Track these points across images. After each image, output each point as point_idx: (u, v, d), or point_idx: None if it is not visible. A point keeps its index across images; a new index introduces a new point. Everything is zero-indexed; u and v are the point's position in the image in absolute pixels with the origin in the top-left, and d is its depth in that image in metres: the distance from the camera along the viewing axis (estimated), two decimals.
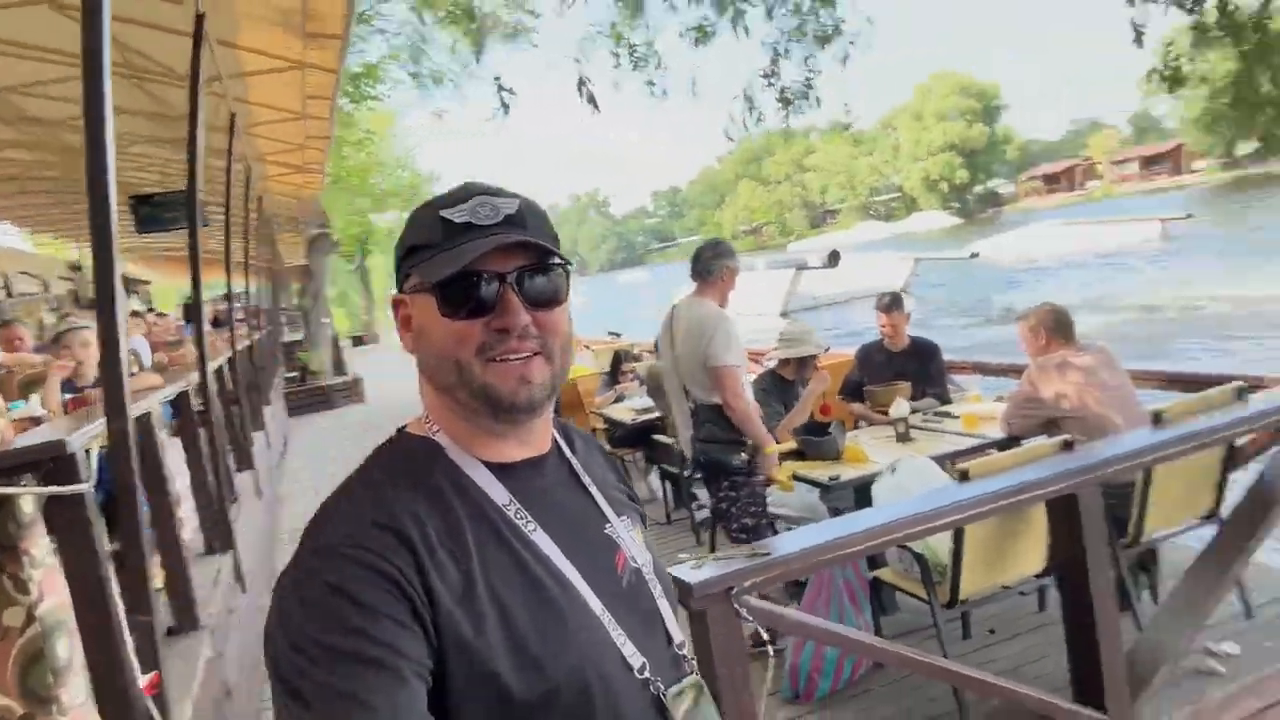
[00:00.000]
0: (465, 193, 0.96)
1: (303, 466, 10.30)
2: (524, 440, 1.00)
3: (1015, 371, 5.05)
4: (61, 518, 2.03)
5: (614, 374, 7.36)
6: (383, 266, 38.61)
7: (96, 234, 2.16)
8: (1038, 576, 3.36)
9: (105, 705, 2.06)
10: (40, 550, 2.20)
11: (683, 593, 2.21)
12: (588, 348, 10.93)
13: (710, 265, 3.81)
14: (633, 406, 6.40)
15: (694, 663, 1.04)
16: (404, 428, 1.04)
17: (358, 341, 34.65)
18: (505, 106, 5.75)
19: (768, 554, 2.39)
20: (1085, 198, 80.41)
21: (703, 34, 5.92)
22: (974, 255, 31.19)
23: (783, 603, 4.13)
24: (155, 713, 2.07)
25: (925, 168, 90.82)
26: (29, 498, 2.18)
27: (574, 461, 1.08)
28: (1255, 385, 3.23)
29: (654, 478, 6.44)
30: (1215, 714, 3.00)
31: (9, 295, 14.18)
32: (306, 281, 17.08)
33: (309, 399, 15.09)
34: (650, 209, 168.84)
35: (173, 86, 6.39)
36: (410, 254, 0.97)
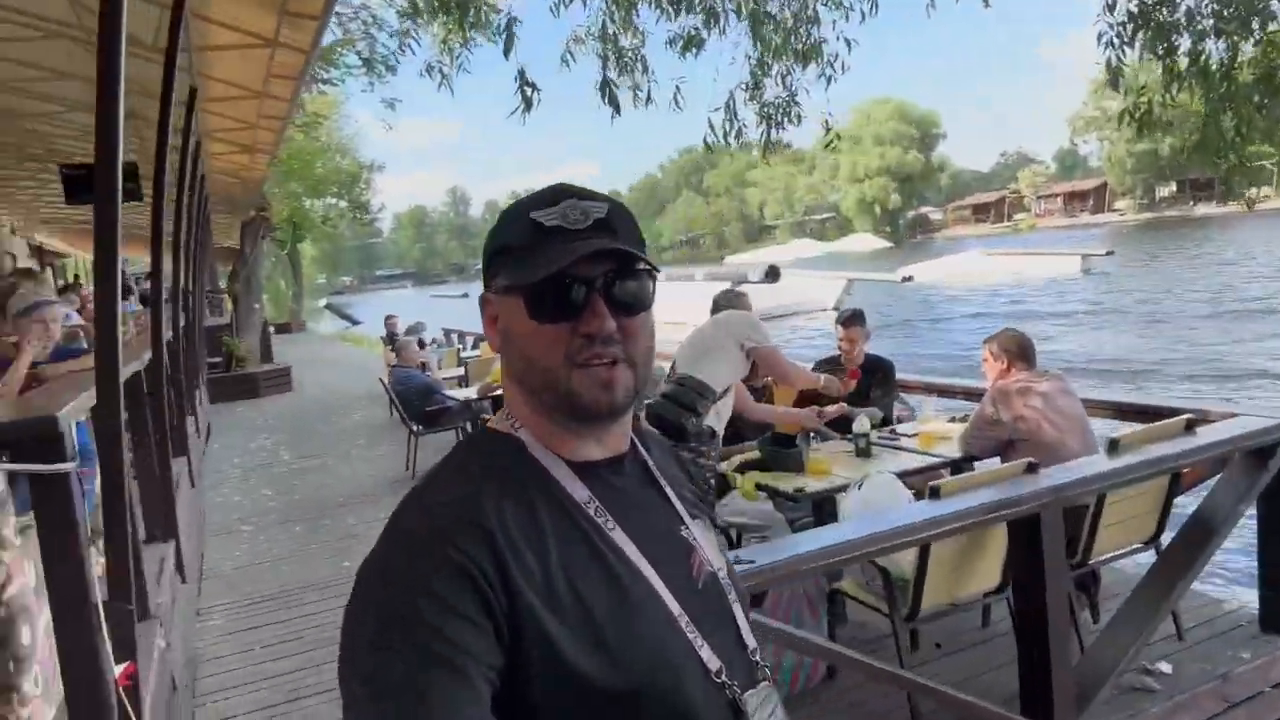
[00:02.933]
0: (556, 195, 0.97)
1: (226, 456, 9.98)
2: (603, 442, 1.01)
3: (966, 392, 5.23)
4: (43, 496, 1.94)
5: None
6: (309, 253, 37.70)
7: (99, 212, 2.08)
8: (989, 594, 3.48)
9: (74, 696, 1.97)
10: (9, 531, 2.11)
11: None
12: None
13: (734, 302, 4.64)
14: None
15: (768, 669, 1.05)
16: (486, 422, 1.05)
17: (283, 329, 33.75)
18: (528, 102, 5.64)
19: (753, 562, 2.44)
20: (1012, 229, 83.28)
21: (690, 43, 5.96)
22: (907, 279, 32.01)
23: None
24: (129, 707, 2.00)
25: (861, 190, 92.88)
26: (3, 474, 2.09)
27: (650, 463, 1.09)
28: (1202, 419, 3.42)
29: None
30: None
31: None
32: (238, 265, 16.54)
33: (234, 386, 14.57)
34: None
35: (129, 55, 6.16)
36: (500, 254, 0.98)
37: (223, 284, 20.38)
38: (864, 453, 4.25)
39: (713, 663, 0.96)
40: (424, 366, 9.30)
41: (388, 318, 13.87)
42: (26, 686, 2.11)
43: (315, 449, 9.92)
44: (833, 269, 35.63)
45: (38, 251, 22.74)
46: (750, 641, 1.05)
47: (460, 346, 13.97)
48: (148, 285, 12.00)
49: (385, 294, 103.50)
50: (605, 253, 0.94)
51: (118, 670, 2.03)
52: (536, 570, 0.88)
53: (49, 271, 23.83)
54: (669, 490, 1.08)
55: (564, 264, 0.91)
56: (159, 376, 4.23)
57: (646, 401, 4.25)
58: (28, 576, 2.13)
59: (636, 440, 1.09)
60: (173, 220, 6.34)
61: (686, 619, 0.96)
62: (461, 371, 9.45)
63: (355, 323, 42.54)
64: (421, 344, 11.79)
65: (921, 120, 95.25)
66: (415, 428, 8.09)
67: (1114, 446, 3.08)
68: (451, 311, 29.92)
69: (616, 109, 5.74)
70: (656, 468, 1.09)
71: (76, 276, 23.99)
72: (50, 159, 10.89)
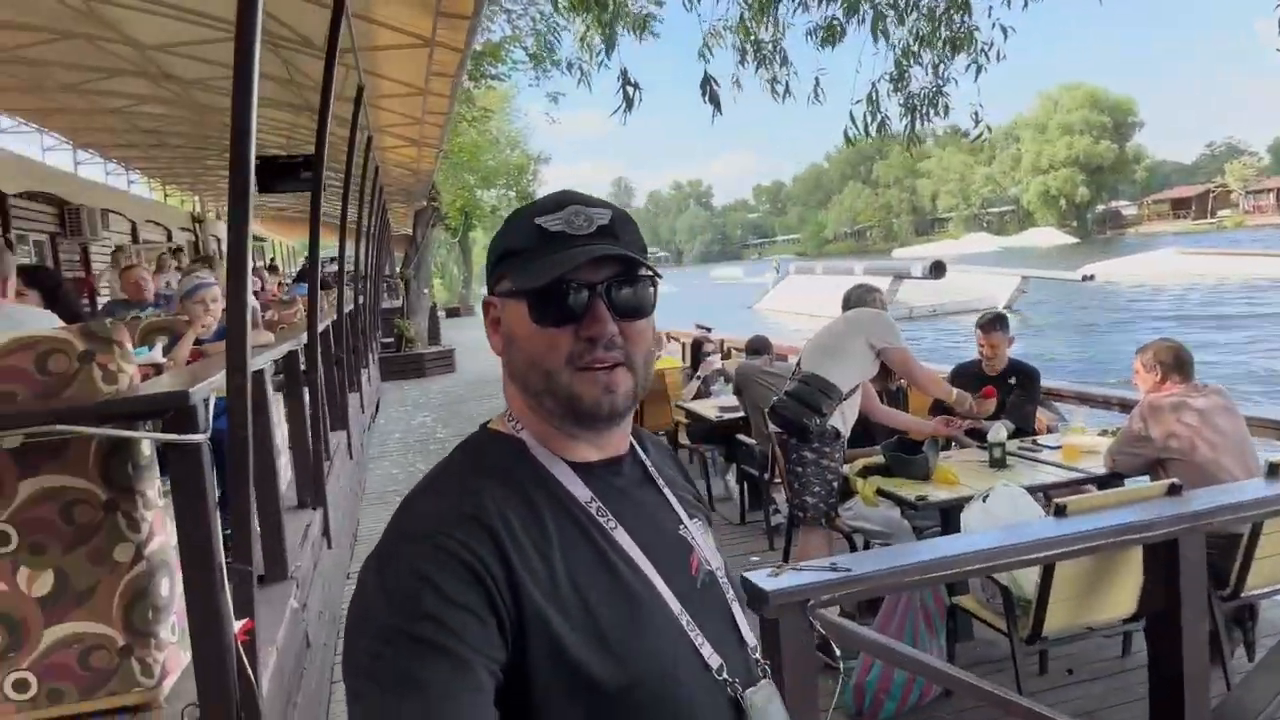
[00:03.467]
0: (561, 201, 0.98)
1: (391, 431, 10.63)
2: (604, 444, 1.02)
3: (1122, 404, 4.84)
4: (177, 464, 2.15)
5: (695, 364, 7.31)
6: (483, 242, 39.39)
7: (234, 197, 2.26)
8: (1126, 621, 3.22)
9: (199, 646, 2.17)
10: (153, 492, 2.34)
11: (757, 599, 2.21)
12: (674, 340, 10.95)
13: (865, 298, 4.42)
14: (717, 404, 6.38)
15: (766, 666, 1.05)
16: (487, 424, 1.06)
17: (452, 313, 35.47)
18: (629, 102, 5.72)
19: (849, 570, 2.37)
20: (1215, 226, 75.90)
21: (830, 34, 5.78)
22: (1088, 278, 29.82)
23: (855, 618, 4.10)
24: (245, 658, 2.18)
25: (1045, 182, 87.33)
26: (147, 442, 2.32)
27: (648, 463, 1.10)
28: None
29: (731, 477, 6.42)
30: None
31: (135, 241, 15.05)
32: (410, 251, 17.57)
33: (403, 366, 15.54)
34: (751, 203, 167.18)
35: (304, 54, 6.66)
36: (504, 258, 0.99)
37: (398, 270, 21.63)
38: (998, 463, 4.02)
39: (713, 660, 0.97)
40: None
41: None
42: (163, 633, 2.34)
43: (468, 428, 10.23)
44: (1009, 265, 33.74)
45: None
46: (750, 640, 1.05)
47: None
48: (331, 269, 12.98)
49: None
50: (608, 258, 0.95)
51: (236, 626, 2.22)
52: (540, 568, 0.89)
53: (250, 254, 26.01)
54: (667, 491, 1.09)
55: (567, 268, 0.93)
56: (314, 357, 4.56)
57: (774, 400, 4.20)
58: (168, 534, 2.37)
59: (635, 442, 1.11)
60: (355, 208, 6.77)
61: (687, 617, 0.97)
62: None
63: None
64: None
65: (1115, 107, 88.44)
66: None
67: (1274, 470, 2.77)
68: None
69: (717, 106, 5.66)
70: (654, 468, 1.10)
71: (273, 259, 26.22)
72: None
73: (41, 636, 2.20)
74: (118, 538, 2.25)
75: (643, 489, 1.06)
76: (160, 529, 2.34)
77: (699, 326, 9.99)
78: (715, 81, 5.62)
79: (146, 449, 2.30)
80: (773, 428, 4.27)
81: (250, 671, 2.21)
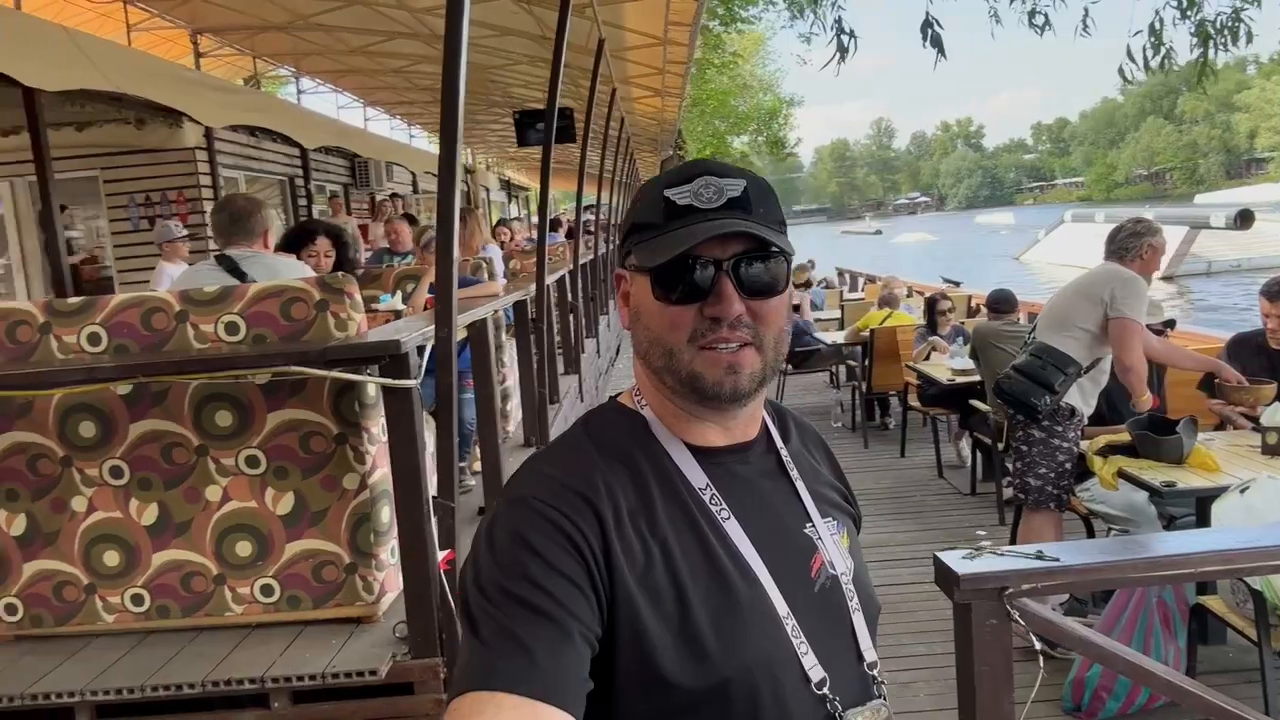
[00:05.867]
0: (691, 171, 0.93)
1: (625, 373, 11.05)
2: (728, 427, 0.97)
3: None
4: (391, 405, 2.36)
5: (930, 323, 6.88)
6: None
7: (444, 157, 2.41)
8: None
9: (407, 570, 2.40)
10: (377, 429, 2.59)
11: (947, 581, 2.08)
12: (919, 294, 10.38)
13: (1128, 243, 3.69)
14: (952, 366, 5.98)
15: (884, 686, 0.98)
16: (616, 396, 1.05)
17: None
18: (843, 51, 5.41)
19: (1056, 560, 2.16)
20: None
21: None
22: None
23: (1087, 606, 3.75)
24: (446, 585, 2.38)
25: None
26: (374, 384, 2.57)
27: (783, 453, 1.03)
28: None
29: (964, 444, 6.04)
30: None
31: (414, 191, 16.54)
32: None
33: None
34: (1029, 142, 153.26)
35: (554, 11, 6.92)
36: (633, 231, 0.96)
37: None
38: (1274, 450, 3.45)
39: (815, 672, 0.91)
40: (797, 308, 9.37)
41: None
42: (383, 555, 2.61)
43: None
44: None
45: (506, 185, 26.81)
46: (869, 655, 0.98)
47: (846, 287, 13.77)
48: (586, 218, 13.59)
49: (798, 229, 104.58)
50: (737, 233, 0.90)
51: (440, 556, 2.42)
52: (639, 552, 0.88)
53: (513, 203, 27.86)
54: (800, 484, 1.02)
55: (691, 244, 0.88)
56: (542, 306, 4.81)
57: (998, 377, 3.87)
58: (388, 467, 2.62)
59: (773, 428, 1.04)
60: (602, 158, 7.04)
61: (794, 623, 0.92)
62: (838, 314, 9.35)
63: None
64: (803, 283, 11.84)
65: None
66: (785, 367, 8.24)
67: None
68: (857, 250, 29.40)
69: (940, 50, 5.12)
70: (793, 458, 1.03)
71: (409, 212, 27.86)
72: (508, 104, 12.74)
73: (284, 550, 2.54)
74: (346, 467, 2.53)
75: (770, 480, 1.01)
76: (382, 462, 2.59)
77: (945, 280, 9.41)
78: (937, 22, 5.13)
79: (371, 390, 2.54)
80: (996, 404, 3.92)
81: (450, 598, 2.41)
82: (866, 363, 7.11)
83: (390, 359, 2.36)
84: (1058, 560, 2.13)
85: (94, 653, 2.49)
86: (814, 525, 0.99)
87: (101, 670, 2.39)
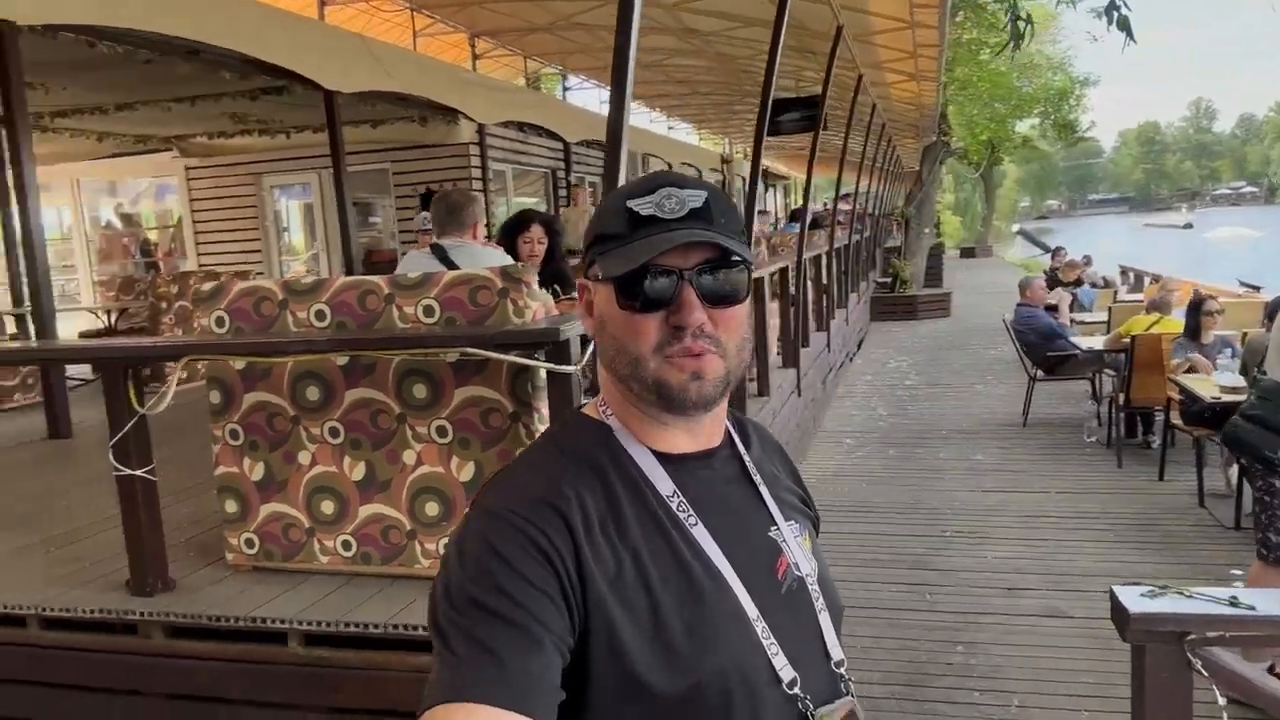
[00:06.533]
0: (654, 183, 0.96)
1: (863, 372, 10.69)
2: (694, 433, 0.99)
3: None
4: (554, 390, 2.51)
5: (1193, 328, 5.92)
6: (1013, 175, 36.64)
7: (610, 140, 2.50)
8: None
9: None
10: (546, 409, 2.76)
11: (1119, 619, 1.88)
12: (1213, 297, 9.09)
13: None
14: (1220, 382, 5.18)
15: (851, 684, 0.98)
16: (581, 408, 1.07)
17: (966, 253, 33.82)
18: (1019, 37, 4.89)
19: (1252, 609, 1.87)
20: None
21: None
22: None
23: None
24: None
25: None
26: (542, 368, 2.74)
27: (746, 458, 1.04)
28: None
29: (1233, 470, 5.24)
30: None
31: None
32: (914, 189, 17.13)
33: (893, 306, 15.37)
34: None
35: None
36: (596, 242, 0.99)
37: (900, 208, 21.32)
38: None
39: (786, 673, 0.93)
40: (1053, 309, 8.53)
41: (1055, 250, 12.97)
42: None
43: (942, 377, 10.04)
44: None
45: (764, 174, 26.83)
46: (836, 653, 1.00)
47: (1126, 287, 12.33)
48: (843, 208, 13.32)
49: (1094, 220, 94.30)
50: (700, 243, 0.92)
51: None
52: (610, 560, 0.90)
53: (770, 191, 27.85)
54: (763, 489, 1.03)
55: (654, 253, 0.91)
56: (759, 293, 4.81)
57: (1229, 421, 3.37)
58: None
59: (735, 435, 1.06)
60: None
61: (764, 624, 0.93)
62: (1104, 317, 8.40)
63: (1046, 250, 40.37)
64: (1056, 282, 10.76)
65: None
66: (1035, 373, 7.58)
67: None
68: (1159, 246, 26.23)
69: (1129, 34, 4.33)
70: (755, 464, 1.05)
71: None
72: (759, 93, 12.78)
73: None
74: (519, 443, 2.71)
75: (734, 485, 1.02)
76: None
77: (1242, 284, 8.19)
78: (1125, 4, 4.40)
79: (543, 373, 2.71)
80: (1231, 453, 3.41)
81: None
82: (1126, 373, 6.37)
83: (553, 345, 2.50)
84: (1253, 609, 1.86)
85: (308, 588, 2.86)
86: (778, 528, 1.01)
87: (312, 603, 2.75)
